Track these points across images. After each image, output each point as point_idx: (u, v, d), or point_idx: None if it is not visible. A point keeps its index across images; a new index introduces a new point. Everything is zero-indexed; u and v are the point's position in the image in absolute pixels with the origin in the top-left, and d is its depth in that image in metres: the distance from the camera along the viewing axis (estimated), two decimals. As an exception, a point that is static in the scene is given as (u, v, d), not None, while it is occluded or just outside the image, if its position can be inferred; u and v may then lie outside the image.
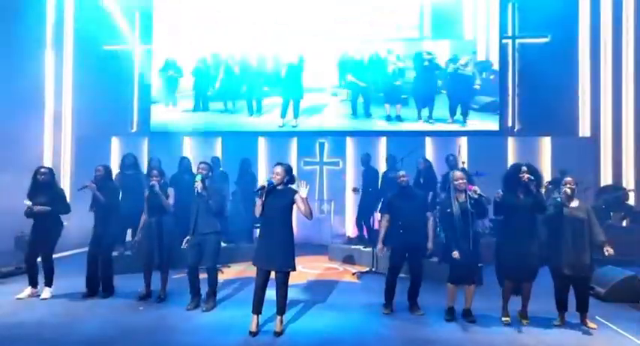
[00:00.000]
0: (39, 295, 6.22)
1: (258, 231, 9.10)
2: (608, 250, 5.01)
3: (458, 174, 5.50)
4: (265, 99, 10.93)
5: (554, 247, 5.11)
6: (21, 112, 10.98)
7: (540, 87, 10.69)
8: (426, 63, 10.32)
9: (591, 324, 5.20)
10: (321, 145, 11.05)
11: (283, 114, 10.73)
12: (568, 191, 5.14)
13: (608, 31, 10.93)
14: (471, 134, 10.60)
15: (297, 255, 8.81)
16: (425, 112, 10.45)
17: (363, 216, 8.50)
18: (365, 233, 8.62)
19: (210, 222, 5.81)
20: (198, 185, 5.71)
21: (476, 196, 5.29)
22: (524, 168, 5.27)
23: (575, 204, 5.18)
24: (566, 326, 5.22)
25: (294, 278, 6.95)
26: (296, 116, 10.69)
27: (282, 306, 5.06)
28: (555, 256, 5.10)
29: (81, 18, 11.96)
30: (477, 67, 10.61)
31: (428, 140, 10.79)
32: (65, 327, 5.19)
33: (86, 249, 8.20)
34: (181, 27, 11.40)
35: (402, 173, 5.94)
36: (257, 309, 5.05)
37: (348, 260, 8.53)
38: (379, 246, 5.86)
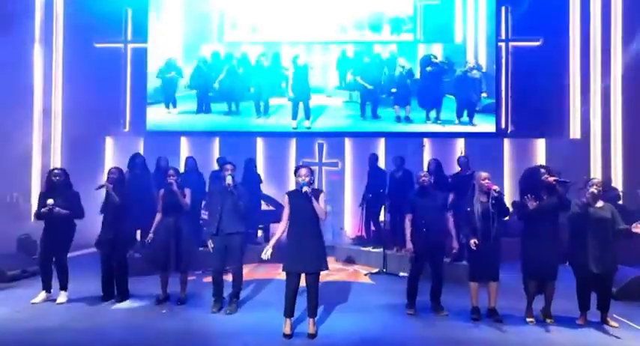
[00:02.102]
0: (54, 299, 6.08)
1: (260, 232, 9.32)
2: (637, 226, 5.01)
3: (483, 174, 5.57)
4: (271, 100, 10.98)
5: (580, 246, 5.23)
6: (8, 109, 10.73)
7: (533, 90, 10.93)
8: (429, 68, 10.55)
9: (613, 323, 5.36)
10: (320, 146, 11.06)
11: (294, 116, 10.75)
12: (595, 191, 5.27)
13: (597, 36, 11.26)
14: (468, 135, 10.80)
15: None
16: (432, 114, 10.70)
17: (372, 217, 8.55)
18: (371, 234, 8.69)
19: (235, 222, 5.81)
20: (230, 183, 5.69)
21: (496, 194, 5.38)
22: (543, 171, 5.41)
23: (600, 204, 5.32)
24: (588, 325, 5.35)
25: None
26: (307, 117, 10.73)
27: (314, 308, 5.05)
28: (581, 255, 5.22)
29: (71, 14, 11.69)
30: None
31: (425, 141, 10.89)
32: (91, 333, 5.09)
33: (89, 250, 8.16)
34: (178, 26, 11.29)
35: (422, 173, 5.99)
36: (290, 313, 5.04)
37: (356, 261, 8.58)
38: (408, 246, 5.80)
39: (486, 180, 5.48)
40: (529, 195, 5.35)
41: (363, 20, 11.01)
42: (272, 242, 5.10)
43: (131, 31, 11.75)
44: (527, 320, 5.46)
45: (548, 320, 5.43)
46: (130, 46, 11.78)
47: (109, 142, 11.38)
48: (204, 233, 5.91)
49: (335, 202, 10.68)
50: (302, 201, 5.00)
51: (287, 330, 4.98)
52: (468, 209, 5.58)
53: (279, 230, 5.15)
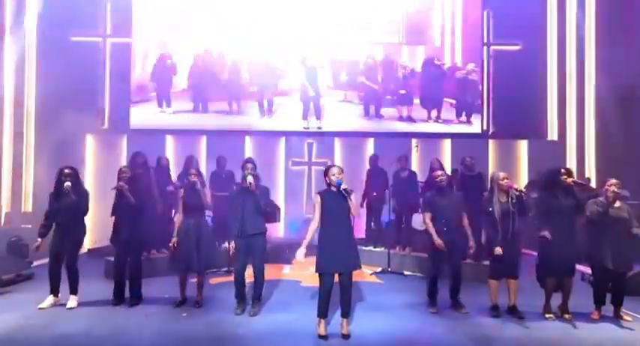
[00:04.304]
0: (62, 304, 5.82)
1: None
2: None
3: (502, 174, 5.70)
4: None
5: (600, 245, 5.45)
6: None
7: (513, 93, 11.21)
8: (434, 69, 10.80)
9: (626, 317, 5.62)
10: (310, 146, 11.02)
11: (305, 116, 10.70)
12: (615, 191, 5.48)
13: (572, 42, 11.73)
14: (454, 136, 11.04)
15: (294, 257, 8.91)
16: (433, 113, 10.94)
17: (374, 217, 8.59)
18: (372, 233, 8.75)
19: (257, 222, 5.72)
20: (252, 185, 5.58)
21: (517, 193, 5.51)
22: (564, 171, 5.60)
23: (617, 204, 5.55)
24: (604, 319, 5.57)
25: (315, 281, 7.01)
26: (318, 117, 10.68)
27: (348, 308, 5.04)
28: (601, 253, 5.45)
29: (45, 4, 11.13)
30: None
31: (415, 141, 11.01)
32: (119, 338, 4.91)
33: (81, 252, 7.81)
34: (169, 21, 11.00)
35: (439, 173, 6.06)
36: (325, 313, 5.01)
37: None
38: (438, 241, 5.75)
39: (505, 180, 5.60)
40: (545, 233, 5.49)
41: (350, 21, 11.05)
42: (305, 243, 4.98)
43: (111, 25, 11.31)
44: (547, 316, 5.63)
45: (567, 316, 5.59)
46: (110, 40, 11.35)
47: (90, 139, 10.93)
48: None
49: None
50: (336, 199, 4.97)
51: (322, 331, 4.94)
52: (490, 209, 5.67)
53: (311, 230, 5.03)
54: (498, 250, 5.46)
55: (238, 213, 5.67)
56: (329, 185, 5.00)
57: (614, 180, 5.57)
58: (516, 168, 11.06)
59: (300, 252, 4.91)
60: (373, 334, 5.08)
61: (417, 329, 5.31)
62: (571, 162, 11.60)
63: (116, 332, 5.06)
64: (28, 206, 11.06)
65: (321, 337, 4.91)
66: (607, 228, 5.46)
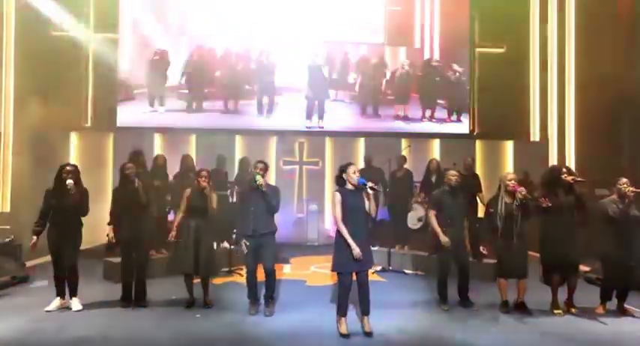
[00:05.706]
0: (69, 307, 5.64)
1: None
2: None
3: (510, 175, 5.82)
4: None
5: (618, 242, 5.57)
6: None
7: (499, 94, 11.43)
8: (432, 70, 10.94)
9: (630, 312, 5.79)
10: (301, 145, 10.98)
11: (308, 116, 10.65)
12: (633, 191, 5.60)
13: (554, 47, 12.06)
14: (442, 137, 11.21)
15: (291, 256, 8.88)
16: (427, 113, 11.14)
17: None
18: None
19: (268, 222, 5.68)
20: (263, 184, 5.52)
21: (521, 197, 5.62)
22: (565, 170, 5.74)
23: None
24: (609, 314, 5.72)
25: (320, 281, 7.04)
26: (320, 117, 10.63)
27: (367, 306, 5.04)
28: (618, 250, 5.56)
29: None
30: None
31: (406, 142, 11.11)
32: (138, 341, 4.81)
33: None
34: (166, 20, 10.83)
35: (453, 172, 6.13)
36: (345, 311, 5.02)
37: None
38: (444, 239, 5.84)
39: (512, 182, 5.68)
40: (543, 198, 5.64)
41: (335, 21, 11.10)
42: (351, 242, 4.85)
43: (96, 20, 11.00)
44: (555, 312, 5.73)
45: (573, 310, 5.75)
46: (94, 35, 11.04)
47: (74, 138, 10.60)
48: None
49: (318, 202, 10.67)
50: (355, 198, 4.97)
51: (344, 330, 4.95)
52: (491, 210, 5.80)
53: (344, 229, 4.89)
54: (483, 250, 5.94)
55: (249, 213, 5.61)
56: (342, 183, 5.00)
57: (625, 180, 5.66)
58: (502, 168, 11.24)
59: (356, 252, 4.83)
60: (394, 332, 5.09)
61: (435, 326, 5.34)
62: (553, 162, 11.90)
63: (133, 334, 4.95)
64: (5, 206, 10.64)
65: (343, 335, 4.90)
66: (627, 226, 5.57)
